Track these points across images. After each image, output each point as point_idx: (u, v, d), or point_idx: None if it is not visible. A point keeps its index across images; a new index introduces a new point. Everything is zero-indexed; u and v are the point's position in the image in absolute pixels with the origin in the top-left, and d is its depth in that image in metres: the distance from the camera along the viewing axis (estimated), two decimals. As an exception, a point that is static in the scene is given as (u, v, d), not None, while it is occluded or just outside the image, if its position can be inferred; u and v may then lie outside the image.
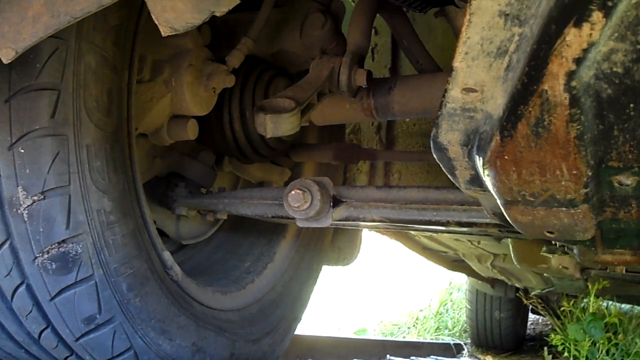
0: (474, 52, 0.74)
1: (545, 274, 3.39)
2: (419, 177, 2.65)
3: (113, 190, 1.33)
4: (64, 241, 1.24)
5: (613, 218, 0.97)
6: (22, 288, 1.27)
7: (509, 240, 2.87)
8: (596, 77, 0.71)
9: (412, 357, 3.23)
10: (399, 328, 5.80)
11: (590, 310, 3.25)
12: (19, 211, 1.21)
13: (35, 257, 1.23)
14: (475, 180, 0.98)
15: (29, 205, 1.20)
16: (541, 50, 0.69)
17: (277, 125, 1.38)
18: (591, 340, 3.16)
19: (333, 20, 1.74)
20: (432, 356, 3.47)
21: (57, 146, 1.21)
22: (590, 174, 0.83)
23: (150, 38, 1.48)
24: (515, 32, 0.71)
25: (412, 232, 2.95)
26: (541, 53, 0.70)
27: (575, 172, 0.83)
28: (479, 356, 4.64)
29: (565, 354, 3.18)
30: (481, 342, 4.87)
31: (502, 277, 3.80)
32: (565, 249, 2.09)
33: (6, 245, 1.24)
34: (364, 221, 1.61)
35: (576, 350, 3.14)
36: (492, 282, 4.29)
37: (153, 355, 1.44)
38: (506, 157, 0.84)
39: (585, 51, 0.68)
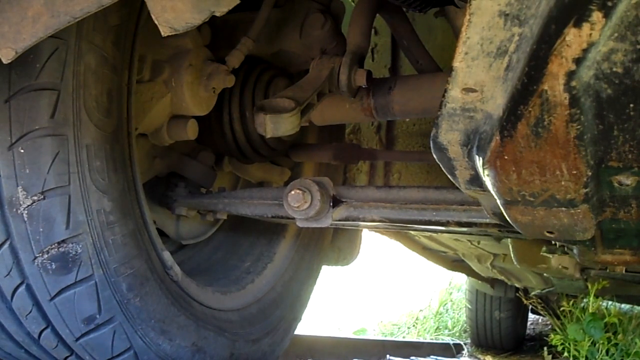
0: (474, 52, 0.74)
1: (545, 274, 3.39)
2: (419, 177, 2.65)
3: (113, 190, 1.33)
4: (63, 241, 1.24)
5: (613, 218, 0.97)
6: (22, 288, 1.27)
7: (509, 240, 2.87)
8: (596, 77, 0.71)
9: (412, 357, 3.23)
10: (399, 328, 5.80)
11: (590, 310, 3.25)
12: (19, 211, 1.21)
13: (35, 257, 1.23)
14: (475, 180, 0.98)
15: (28, 205, 1.20)
16: (541, 50, 0.69)
17: (277, 125, 1.38)
18: (591, 340, 3.16)
19: (333, 20, 1.74)
20: (432, 356, 3.47)
21: (57, 146, 1.21)
22: (590, 174, 0.83)
23: (150, 38, 1.48)
24: (515, 32, 0.71)
25: (412, 232, 2.95)
26: (541, 53, 0.70)
27: (575, 172, 0.83)
28: (479, 356, 4.64)
29: (565, 354, 3.18)
30: (481, 342, 4.87)
31: (502, 277, 3.80)
32: (565, 249, 2.09)
33: (6, 245, 1.24)
34: (364, 221, 1.61)
35: (576, 350, 3.14)
36: (492, 282, 4.29)
37: (153, 355, 1.44)
38: (506, 157, 0.84)
39: (585, 51, 0.68)
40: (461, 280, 5.88)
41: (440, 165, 0.98)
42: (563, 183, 0.85)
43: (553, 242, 2.12)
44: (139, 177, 1.47)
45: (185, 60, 1.58)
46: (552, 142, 0.79)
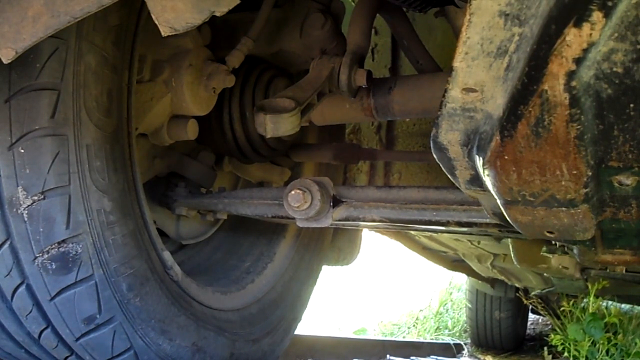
0: (474, 52, 0.74)
1: (545, 274, 3.39)
2: (419, 177, 2.65)
3: (113, 190, 1.33)
4: (64, 241, 1.24)
5: (613, 218, 0.97)
6: (22, 288, 1.27)
7: (509, 240, 2.87)
8: (596, 77, 0.71)
9: (412, 357, 3.23)
10: (399, 328, 5.80)
11: (590, 310, 3.25)
12: (19, 211, 1.21)
13: (35, 257, 1.23)
14: (475, 180, 0.98)
15: (29, 205, 1.20)
16: (541, 50, 0.69)
17: (277, 125, 1.38)
18: (591, 340, 3.16)
19: (333, 20, 1.74)
20: (432, 356, 3.47)
21: (57, 146, 1.21)
22: (590, 174, 0.83)
23: (150, 38, 1.48)
24: (515, 32, 0.71)
25: (412, 232, 2.95)
26: (541, 53, 0.70)
27: (575, 172, 0.83)
28: (479, 356, 4.64)
29: (565, 354, 3.18)
30: (481, 342, 4.87)
31: (502, 277, 3.80)
32: (565, 249, 2.09)
33: (6, 245, 1.24)
34: (364, 221, 1.61)
35: (576, 350, 3.14)
36: (492, 282, 4.29)
37: (153, 355, 1.44)
38: (506, 157, 0.84)
39: (585, 51, 0.68)
40: (461, 280, 5.88)
41: (441, 165, 0.98)
42: (563, 183, 0.85)
43: (553, 242, 2.12)
44: (139, 177, 1.47)
45: (186, 60, 1.58)
46: (552, 142, 0.79)
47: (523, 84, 0.74)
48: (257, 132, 1.70)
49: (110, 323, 1.34)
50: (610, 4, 0.63)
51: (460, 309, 5.91)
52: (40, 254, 1.23)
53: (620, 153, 0.79)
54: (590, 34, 0.66)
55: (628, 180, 0.84)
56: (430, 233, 2.83)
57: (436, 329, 5.71)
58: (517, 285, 3.94)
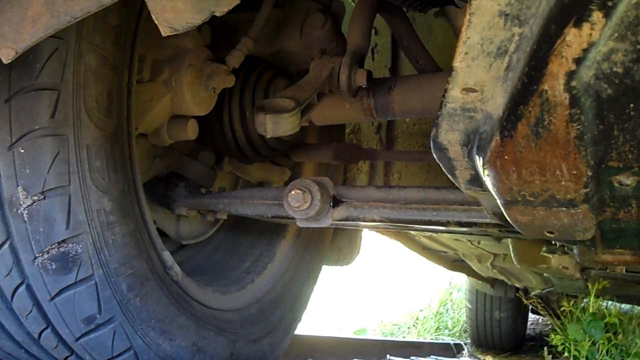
0: (474, 52, 0.74)
1: (545, 274, 3.39)
2: (419, 177, 2.65)
3: (113, 190, 1.33)
4: (64, 241, 1.24)
5: (613, 218, 0.97)
6: (22, 288, 1.27)
7: (509, 240, 2.87)
8: (596, 77, 0.71)
9: (412, 357, 3.23)
10: (399, 328, 5.80)
11: (591, 311, 3.25)
12: (19, 211, 1.21)
13: (35, 257, 1.23)
14: (475, 180, 0.98)
15: (29, 205, 1.20)
16: (541, 50, 0.69)
17: (277, 125, 1.38)
18: (591, 341, 3.16)
19: (333, 20, 1.74)
20: (432, 356, 3.47)
21: (57, 146, 1.21)
22: (590, 174, 0.83)
23: (150, 38, 1.48)
24: (515, 32, 0.71)
25: (412, 232, 2.95)
26: (541, 53, 0.70)
27: (575, 172, 0.83)
28: (479, 356, 4.64)
29: (566, 354, 3.18)
30: (481, 342, 4.87)
31: (502, 277, 3.80)
32: (565, 249, 2.09)
33: (6, 245, 1.24)
34: (364, 221, 1.61)
35: (576, 350, 3.14)
36: (492, 282, 4.29)
37: (153, 355, 1.44)
38: (506, 157, 0.84)
39: (585, 51, 0.68)
40: (461, 280, 5.88)
41: (441, 165, 0.98)
42: (563, 183, 0.85)
43: (553, 242, 2.11)
44: (139, 177, 1.47)
45: (186, 60, 1.58)
46: (552, 142, 0.79)
47: (523, 84, 0.74)
48: (257, 132, 1.70)
49: (110, 323, 1.34)
50: (610, 4, 0.63)
51: (460, 309, 5.91)
52: (40, 254, 1.23)
53: (620, 153, 0.79)
54: (590, 34, 0.66)
55: (628, 180, 0.84)
56: (430, 233, 2.83)
57: (436, 329, 5.71)
58: (517, 285, 3.94)
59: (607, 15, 0.64)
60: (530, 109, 0.76)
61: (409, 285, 7.12)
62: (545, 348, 3.51)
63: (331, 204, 1.59)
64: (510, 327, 4.74)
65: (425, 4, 1.62)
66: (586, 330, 3.17)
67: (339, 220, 1.63)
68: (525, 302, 4.09)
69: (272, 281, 2.07)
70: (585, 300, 3.60)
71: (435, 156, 0.96)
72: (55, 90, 1.19)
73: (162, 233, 1.85)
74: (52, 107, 1.19)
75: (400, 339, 5.28)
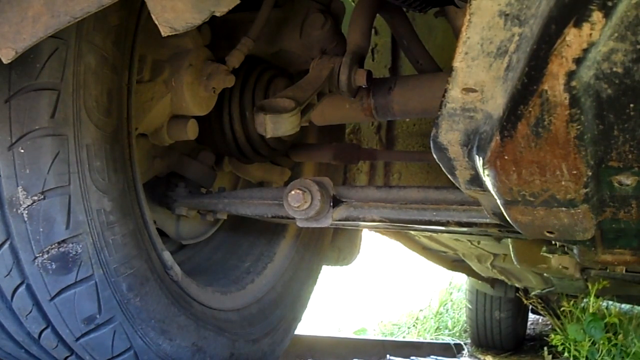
0: (474, 52, 0.74)
1: (545, 274, 3.39)
2: (419, 177, 2.65)
3: (113, 190, 1.33)
4: (64, 241, 1.24)
5: (613, 218, 0.97)
6: (22, 288, 1.27)
7: (509, 240, 2.86)
8: (596, 77, 0.71)
9: (412, 357, 3.23)
10: (399, 328, 5.80)
11: (591, 311, 3.25)
12: (19, 211, 1.21)
13: (35, 257, 1.23)
14: (475, 180, 0.98)
15: (29, 205, 1.20)
16: (541, 50, 0.69)
17: (277, 125, 1.38)
18: (591, 341, 3.16)
19: (333, 20, 1.74)
20: (432, 356, 3.47)
21: (57, 146, 1.21)
22: (590, 174, 0.83)
23: (150, 38, 1.48)
24: (515, 32, 0.71)
25: (412, 232, 2.95)
26: (541, 53, 0.70)
27: (575, 172, 0.83)
28: (479, 356, 4.64)
29: (566, 354, 3.18)
30: (481, 342, 4.87)
31: (502, 277, 3.80)
32: (565, 249, 2.09)
33: (6, 245, 1.24)
34: (364, 221, 1.61)
35: (576, 350, 3.15)
36: (492, 282, 4.29)
37: (153, 355, 1.44)
38: (506, 157, 0.84)
39: (585, 51, 0.68)
40: (461, 280, 5.88)
41: (441, 165, 0.98)
42: (563, 183, 0.85)
43: (553, 242, 2.11)
44: (139, 177, 1.47)
45: (186, 60, 1.58)
46: (552, 142, 0.79)
47: (523, 84, 0.74)
48: (257, 132, 1.70)
49: (110, 323, 1.34)
50: (610, 4, 0.63)
51: (460, 309, 5.90)
52: (40, 254, 1.23)
53: (620, 153, 0.79)
54: (590, 34, 0.66)
55: (628, 180, 0.84)
56: (430, 233, 2.83)
57: (436, 329, 5.71)
58: (517, 285, 3.94)
59: (607, 15, 0.64)
60: (530, 109, 0.76)
61: (409, 285, 7.12)
62: (545, 348, 3.51)
63: (331, 204, 1.59)
64: (510, 327, 4.74)
65: (425, 4, 1.62)
66: (586, 330, 3.17)
67: (339, 220, 1.63)
68: (525, 302, 4.09)
69: (272, 281, 2.07)
70: (585, 300, 3.60)
71: (435, 156, 0.96)
72: (55, 90, 1.19)
73: (162, 233, 1.85)
74: (52, 107, 1.19)
75: (400, 339, 5.28)
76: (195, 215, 1.93)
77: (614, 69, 0.69)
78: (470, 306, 4.80)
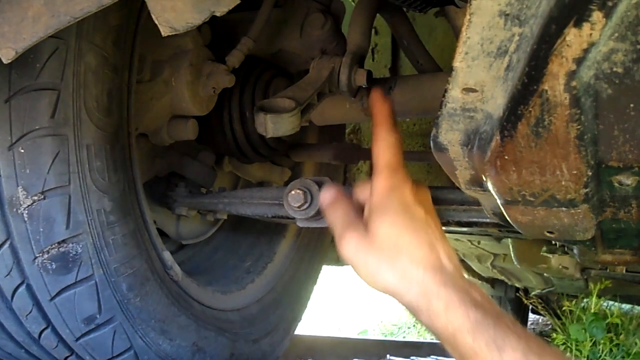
0: (474, 52, 0.74)
1: (545, 274, 3.39)
2: (419, 177, 2.65)
3: (113, 190, 1.33)
4: (64, 241, 1.24)
5: (613, 218, 0.97)
6: (22, 288, 1.27)
7: (509, 240, 2.87)
8: (596, 77, 0.71)
9: (412, 357, 3.23)
10: (399, 328, 5.80)
11: (592, 311, 3.25)
12: (19, 211, 1.21)
13: (35, 257, 1.23)
14: (475, 180, 0.97)
15: (29, 205, 1.21)
16: (541, 50, 0.69)
17: (277, 125, 1.37)
18: (593, 341, 3.16)
19: (333, 20, 1.73)
20: (432, 356, 3.47)
21: (57, 146, 1.21)
22: (590, 174, 0.83)
23: (150, 38, 1.48)
24: (515, 32, 0.70)
25: (412, 232, 2.94)
26: (541, 53, 0.70)
27: (575, 172, 0.83)
28: (479, 356, 4.62)
29: (567, 353, 3.18)
30: (481, 342, 4.85)
31: (502, 277, 3.81)
32: (565, 249, 2.09)
33: (6, 245, 1.24)
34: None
35: (577, 350, 3.14)
36: (492, 282, 4.29)
37: (153, 355, 1.44)
38: (506, 157, 0.84)
39: (586, 51, 0.68)
40: (461, 280, 5.85)
41: (441, 165, 0.98)
42: (563, 183, 0.85)
43: (553, 242, 2.11)
44: (139, 177, 1.47)
45: (186, 60, 1.58)
46: (552, 142, 0.79)
47: (523, 84, 0.74)
48: (257, 132, 1.70)
49: (110, 323, 1.34)
50: (610, 4, 0.63)
51: (461, 309, 5.88)
52: (40, 254, 1.23)
53: (620, 153, 0.79)
54: (591, 34, 0.66)
55: (628, 180, 0.84)
56: (430, 233, 2.82)
57: (436, 329, 5.70)
58: (517, 285, 3.95)
59: (607, 15, 0.64)
60: (531, 109, 0.76)
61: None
62: (546, 348, 3.49)
63: (331, 204, 1.58)
64: (510, 327, 4.72)
65: (425, 4, 1.62)
66: (588, 330, 3.17)
67: (339, 220, 1.63)
68: (525, 302, 4.09)
69: (272, 281, 2.07)
70: (585, 300, 3.60)
71: (435, 156, 0.96)
72: (55, 90, 1.19)
73: (162, 233, 1.85)
74: (52, 107, 1.19)
75: (400, 339, 5.28)
76: (195, 215, 1.93)
77: (614, 69, 0.69)
78: (470, 306, 4.78)
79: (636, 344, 3.25)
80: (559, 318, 3.47)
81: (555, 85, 0.72)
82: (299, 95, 1.46)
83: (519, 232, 1.12)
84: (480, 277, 4.05)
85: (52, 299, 1.27)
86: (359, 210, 1.14)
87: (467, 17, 0.71)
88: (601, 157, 0.80)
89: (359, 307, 6.49)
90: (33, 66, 1.17)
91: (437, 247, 1.04)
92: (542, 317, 5.67)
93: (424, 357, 3.38)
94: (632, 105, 0.73)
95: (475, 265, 3.65)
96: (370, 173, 2.65)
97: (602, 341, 3.15)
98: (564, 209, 0.91)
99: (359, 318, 6.04)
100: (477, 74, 0.77)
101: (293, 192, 1.50)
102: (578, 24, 0.66)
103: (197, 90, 1.62)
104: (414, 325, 5.85)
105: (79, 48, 1.21)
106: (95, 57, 1.25)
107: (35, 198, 1.20)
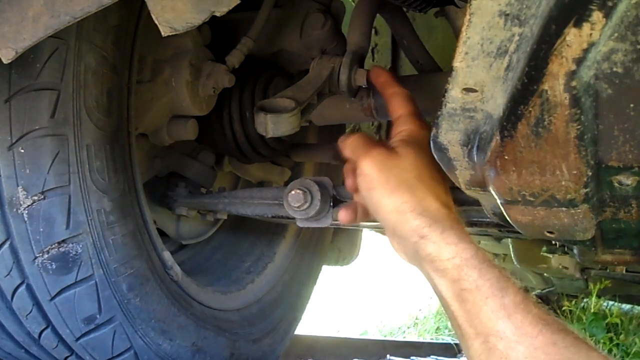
0: (474, 52, 0.74)
1: (545, 274, 3.39)
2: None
3: (113, 190, 1.33)
4: (64, 241, 1.24)
5: (613, 218, 0.97)
6: (22, 288, 1.27)
7: (509, 240, 2.87)
8: (596, 77, 0.71)
9: (412, 357, 3.23)
10: (399, 328, 5.80)
11: (592, 310, 3.26)
12: (19, 211, 1.21)
13: (36, 257, 1.23)
14: (476, 180, 0.97)
15: (29, 205, 1.21)
16: (541, 50, 0.69)
17: (277, 125, 1.37)
18: (592, 340, 3.16)
19: (333, 20, 1.73)
20: (432, 356, 3.47)
21: (57, 146, 1.21)
22: (590, 174, 0.83)
23: (150, 38, 1.48)
24: (515, 32, 0.71)
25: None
26: (541, 53, 0.70)
27: (575, 172, 0.83)
28: (479, 356, 4.62)
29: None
30: (481, 342, 4.85)
31: (502, 277, 3.79)
32: (565, 249, 2.09)
33: (6, 245, 1.24)
34: (364, 221, 1.60)
35: (577, 350, 3.14)
36: (492, 282, 4.28)
37: (153, 355, 1.44)
38: (506, 157, 0.84)
39: (586, 51, 0.68)
40: (461, 280, 5.85)
41: (441, 165, 0.98)
42: (563, 183, 0.85)
43: (553, 242, 2.11)
44: (139, 177, 1.47)
45: (186, 60, 1.58)
46: (552, 142, 0.79)
47: (523, 84, 0.74)
48: (257, 132, 1.70)
49: (110, 323, 1.34)
50: (610, 4, 0.63)
51: (461, 309, 5.88)
52: (41, 254, 1.23)
53: (620, 153, 0.79)
54: (590, 34, 0.66)
55: (628, 180, 0.84)
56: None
57: (436, 329, 5.70)
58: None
59: (607, 15, 0.64)
60: (530, 109, 0.76)
61: (409, 285, 7.12)
62: (546, 348, 3.50)
63: (331, 204, 1.59)
64: (510, 327, 4.72)
65: (425, 4, 1.62)
66: (587, 330, 3.17)
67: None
68: (525, 302, 4.08)
69: (272, 281, 2.07)
70: (585, 300, 3.60)
71: (435, 156, 0.96)
72: (55, 90, 1.19)
73: (162, 233, 1.85)
74: (52, 107, 1.19)
75: (400, 339, 5.28)
76: (195, 215, 1.93)
77: (614, 69, 0.69)
78: (470, 306, 4.78)
79: (636, 343, 3.26)
80: (559, 318, 3.46)
81: (555, 85, 0.72)
82: (299, 95, 1.45)
83: (519, 232, 1.12)
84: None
85: (52, 299, 1.27)
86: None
87: (467, 17, 0.71)
88: (601, 157, 0.81)
89: (359, 307, 6.48)
90: (33, 66, 1.17)
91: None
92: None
93: (424, 357, 3.39)
94: (632, 105, 0.73)
95: (475, 265, 3.65)
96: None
97: (601, 341, 3.15)
98: (564, 209, 0.91)
99: (359, 318, 6.03)
100: (477, 74, 0.77)
101: (293, 192, 1.50)
102: (578, 24, 0.66)
103: (197, 90, 1.62)
104: (413, 325, 5.85)
105: (79, 48, 1.21)
106: (95, 57, 1.25)
107: (35, 198, 1.20)
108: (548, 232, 1.04)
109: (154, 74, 1.58)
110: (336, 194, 1.62)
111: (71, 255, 1.25)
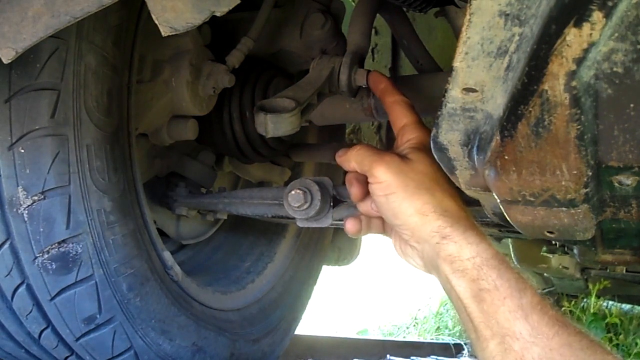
0: (474, 52, 0.74)
1: (545, 274, 3.39)
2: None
3: (113, 190, 1.33)
4: (64, 241, 1.24)
5: (613, 218, 0.97)
6: (22, 288, 1.27)
7: (509, 240, 2.87)
8: (596, 77, 0.71)
9: (412, 357, 3.23)
10: (399, 328, 5.80)
11: (592, 311, 3.26)
12: (19, 211, 1.21)
13: (36, 257, 1.23)
14: (476, 180, 0.97)
15: (29, 205, 1.21)
16: (541, 50, 0.70)
17: (277, 125, 1.37)
18: (592, 340, 3.16)
19: (333, 20, 1.73)
20: (432, 356, 3.47)
21: (57, 146, 1.21)
22: (590, 174, 0.83)
23: (151, 38, 1.48)
24: (515, 32, 0.71)
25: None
26: (541, 53, 0.70)
27: (575, 172, 0.83)
28: (479, 356, 4.62)
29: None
30: (481, 342, 4.84)
31: (502, 277, 3.79)
32: (565, 249, 2.09)
33: (6, 245, 1.24)
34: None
35: (576, 350, 3.14)
36: (492, 282, 4.28)
37: (153, 355, 1.44)
38: (506, 157, 0.84)
39: (586, 51, 0.68)
40: (461, 280, 5.84)
41: (441, 165, 0.98)
42: (563, 183, 0.85)
43: (553, 242, 2.11)
44: (139, 177, 1.47)
45: (186, 60, 1.58)
46: (553, 142, 0.79)
47: (523, 84, 0.74)
48: (257, 132, 1.70)
49: (110, 323, 1.34)
50: (610, 4, 0.63)
51: (461, 309, 5.88)
52: (41, 254, 1.23)
53: (620, 153, 0.79)
54: (591, 34, 0.66)
55: (628, 180, 0.84)
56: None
57: (436, 329, 5.70)
58: (517, 285, 3.93)
59: (607, 15, 0.64)
60: (531, 109, 0.76)
61: (408, 285, 7.12)
62: (546, 348, 3.50)
63: (331, 204, 1.58)
64: (510, 327, 4.72)
65: (425, 4, 1.62)
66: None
67: (339, 220, 1.63)
68: (525, 302, 4.08)
69: (272, 281, 2.07)
70: (585, 300, 3.60)
71: (435, 156, 0.96)
72: (55, 90, 1.19)
73: (162, 233, 1.85)
74: (52, 107, 1.19)
75: (400, 339, 5.28)
76: (195, 215, 1.93)
77: (614, 69, 0.69)
78: (470, 306, 4.78)
79: (636, 344, 3.26)
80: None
81: (555, 85, 0.72)
82: (299, 95, 1.45)
83: (519, 232, 1.12)
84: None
85: (52, 299, 1.27)
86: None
87: (467, 17, 0.71)
88: (601, 157, 0.81)
89: (358, 307, 6.48)
90: (33, 66, 1.17)
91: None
92: (542, 317, 5.65)
93: (424, 357, 3.39)
94: (632, 105, 0.73)
95: (475, 265, 3.64)
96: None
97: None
98: (564, 209, 0.92)
99: (358, 318, 6.03)
100: (477, 74, 0.77)
101: (293, 192, 1.50)
102: (578, 24, 0.66)
103: (197, 90, 1.62)
104: (413, 325, 5.85)
105: (79, 48, 1.21)
106: (95, 57, 1.25)
107: (35, 198, 1.20)
108: (548, 232, 1.04)
109: (154, 73, 1.58)
110: (336, 194, 1.61)
111: (71, 255, 1.25)
